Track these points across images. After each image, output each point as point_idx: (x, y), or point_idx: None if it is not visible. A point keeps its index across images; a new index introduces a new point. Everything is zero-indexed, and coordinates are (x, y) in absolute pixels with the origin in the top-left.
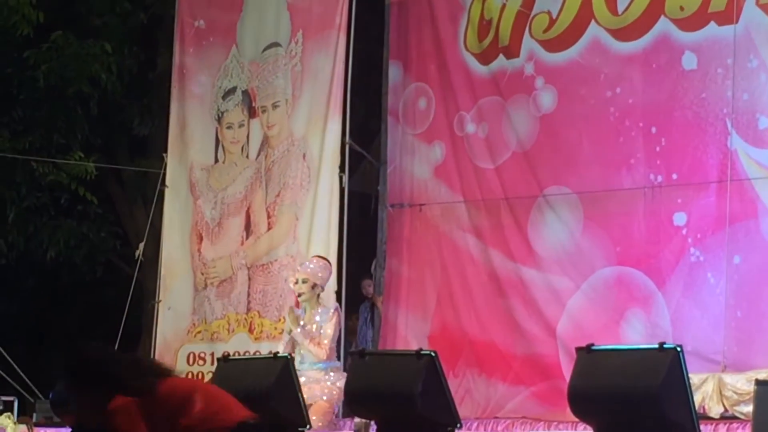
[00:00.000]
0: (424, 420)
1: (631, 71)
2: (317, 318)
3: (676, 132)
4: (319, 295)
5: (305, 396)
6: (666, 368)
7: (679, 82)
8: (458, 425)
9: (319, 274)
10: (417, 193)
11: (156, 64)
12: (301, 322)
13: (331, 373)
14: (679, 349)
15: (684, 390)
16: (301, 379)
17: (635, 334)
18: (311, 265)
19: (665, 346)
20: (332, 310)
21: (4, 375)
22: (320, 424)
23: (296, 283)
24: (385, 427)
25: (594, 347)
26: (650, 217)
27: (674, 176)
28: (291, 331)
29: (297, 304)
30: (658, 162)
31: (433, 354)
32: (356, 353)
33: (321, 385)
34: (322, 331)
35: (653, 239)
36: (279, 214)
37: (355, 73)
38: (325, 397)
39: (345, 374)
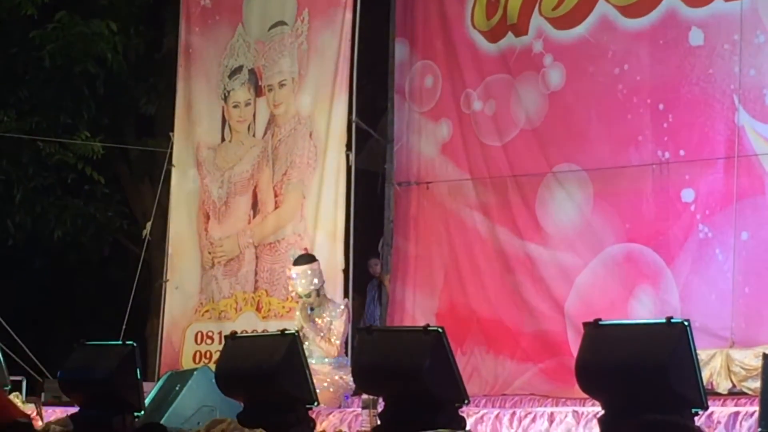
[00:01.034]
0: (432, 396)
1: (639, 48)
2: (326, 313)
3: (684, 108)
4: (324, 294)
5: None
6: (674, 343)
7: (686, 59)
8: (466, 401)
9: (313, 279)
10: (424, 171)
11: (162, 43)
12: (315, 319)
13: (340, 370)
14: (686, 323)
15: (692, 364)
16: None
17: (644, 311)
18: (306, 279)
19: (673, 320)
20: (342, 307)
21: (12, 355)
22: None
23: (300, 297)
24: (392, 404)
25: (601, 322)
26: (659, 194)
27: (682, 153)
28: (302, 327)
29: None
30: (666, 139)
31: (440, 330)
32: (363, 329)
33: (329, 380)
34: (332, 327)
35: (662, 216)
36: (286, 193)
37: (362, 51)
38: (331, 388)
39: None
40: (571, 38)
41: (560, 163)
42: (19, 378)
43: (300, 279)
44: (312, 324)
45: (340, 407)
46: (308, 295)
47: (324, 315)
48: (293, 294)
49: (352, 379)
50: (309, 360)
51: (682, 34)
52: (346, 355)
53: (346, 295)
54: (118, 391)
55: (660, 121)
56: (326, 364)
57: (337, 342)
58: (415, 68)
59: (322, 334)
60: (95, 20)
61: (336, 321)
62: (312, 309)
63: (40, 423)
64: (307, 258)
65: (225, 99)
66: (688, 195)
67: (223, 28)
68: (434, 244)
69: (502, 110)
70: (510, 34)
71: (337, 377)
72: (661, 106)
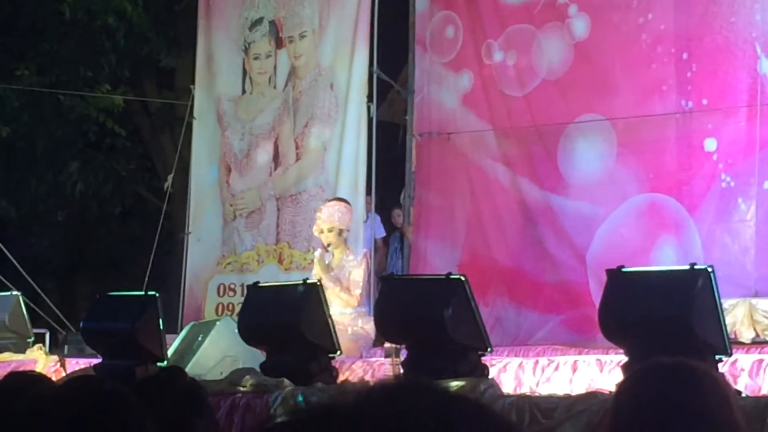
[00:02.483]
0: (455, 344)
1: None
2: (346, 263)
3: (707, 57)
4: (346, 240)
5: None
6: (697, 289)
7: (708, 7)
8: (489, 349)
9: (342, 219)
10: (445, 121)
11: None
12: (330, 269)
13: (360, 320)
14: (710, 269)
15: (715, 311)
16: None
17: (666, 261)
18: (332, 212)
19: (696, 267)
20: (361, 256)
21: (35, 308)
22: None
23: (321, 232)
24: (415, 352)
25: (624, 269)
26: (681, 144)
27: (704, 102)
28: (320, 279)
29: (324, 248)
30: (689, 88)
31: (463, 278)
32: (386, 278)
33: (350, 330)
34: (351, 277)
35: (684, 165)
36: (307, 145)
37: (382, 1)
38: (352, 339)
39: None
40: None
41: (583, 114)
42: (42, 331)
43: (326, 212)
44: (330, 275)
45: (361, 357)
46: (330, 230)
47: (344, 264)
48: (316, 232)
49: (373, 328)
50: None
51: None
52: (368, 305)
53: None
54: (140, 341)
55: (683, 71)
56: (346, 315)
57: (357, 292)
58: (436, 19)
59: (341, 285)
60: None
61: (355, 270)
62: (331, 257)
63: (63, 374)
64: (340, 198)
65: (245, 51)
66: (710, 144)
67: None
68: (456, 196)
69: (524, 61)
70: None
71: (357, 327)
72: (684, 56)
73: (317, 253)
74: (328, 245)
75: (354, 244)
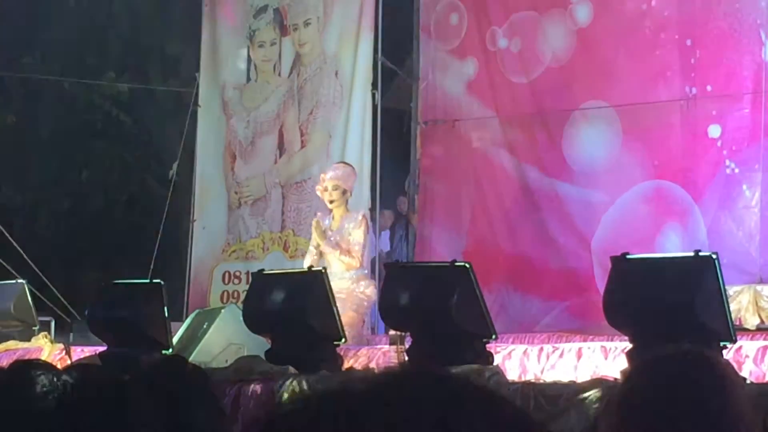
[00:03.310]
0: (459, 331)
1: None
2: (346, 224)
3: (711, 44)
4: (347, 202)
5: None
6: (702, 275)
7: None
8: (494, 336)
9: (346, 180)
10: (450, 109)
11: None
12: (329, 234)
13: (361, 282)
14: (714, 256)
15: (720, 297)
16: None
17: (671, 248)
18: (338, 171)
19: (701, 253)
20: (360, 217)
21: (41, 296)
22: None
23: (325, 190)
24: (419, 339)
25: (629, 256)
26: (686, 130)
27: (709, 88)
28: (318, 245)
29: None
30: (693, 74)
31: (467, 265)
32: (391, 265)
33: (350, 296)
34: (351, 237)
35: (689, 152)
36: (312, 132)
37: None
38: (353, 308)
39: (374, 281)
40: None
41: (587, 100)
42: (47, 318)
43: (331, 172)
44: (329, 240)
45: (363, 324)
46: (335, 188)
47: (344, 226)
48: (319, 191)
49: (374, 292)
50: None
51: None
52: (372, 271)
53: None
54: (145, 329)
55: (687, 57)
56: (345, 279)
57: (358, 251)
58: (441, 6)
59: (341, 248)
60: None
61: (355, 231)
62: (331, 219)
63: (68, 362)
64: (345, 162)
65: (250, 39)
66: (714, 131)
67: None
68: (461, 183)
69: (528, 47)
70: None
71: (358, 293)
72: (688, 42)
73: (315, 219)
74: (331, 202)
75: (355, 209)
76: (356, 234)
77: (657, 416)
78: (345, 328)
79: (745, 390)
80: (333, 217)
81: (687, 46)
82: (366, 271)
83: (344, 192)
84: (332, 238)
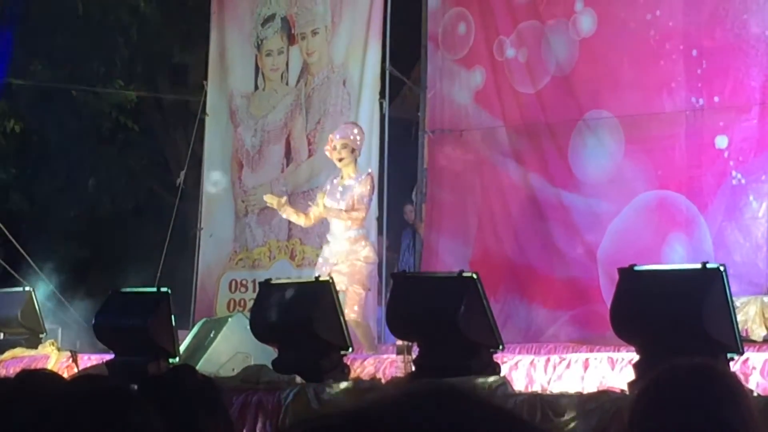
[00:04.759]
0: (466, 342)
1: None
2: (354, 182)
3: (717, 54)
4: (356, 160)
5: (337, 283)
6: (709, 287)
7: (719, 4)
8: (500, 347)
9: (355, 138)
10: (457, 118)
11: None
12: (339, 191)
13: (360, 243)
14: (722, 268)
15: (727, 309)
16: (333, 263)
17: (677, 258)
18: (347, 131)
19: (708, 265)
20: (366, 174)
21: (48, 303)
22: (354, 314)
23: (334, 149)
24: (427, 349)
25: (637, 267)
26: (692, 141)
27: (716, 99)
28: (324, 207)
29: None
30: (700, 85)
31: (474, 276)
32: (398, 275)
33: (351, 269)
34: (355, 192)
35: (695, 163)
36: (319, 141)
37: None
38: (358, 282)
39: (372, 243)
40: None
41: (592, 110)
42: (54, 326)
43: (340, 131)
44: (332, 210)
45: (369, 291)
46: (344, 146)
47: (350, 184)
48: (328, 151)
49: (374, 253)
50: (327, 239)
51: None
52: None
53: (380, 236)
54: (152, 337)
55: (693, 68)
56: (343, 240)
57: (361, 206)
58: (448, 15)
59: (347, 208)
60: None
61: (359, 187)
62: (339, 178)
63: (75, 370)
64: (354, 122)
65: (258, 47)
66: (721, 141)
67: None
68: (468, 192)
69: (535, 57)
70: None
71: (355, 260)
72: (694, 52)
73: (321, 192)
74: (340, 160)
75: (364, 169)
76: (360, 188)
77: (666, 428)
78: (353, 307)
79: (753, 402)
80: (342, 176)
81: (693, 57)
82: (364, 231)
83: (353, 150)
84: (338, 200)
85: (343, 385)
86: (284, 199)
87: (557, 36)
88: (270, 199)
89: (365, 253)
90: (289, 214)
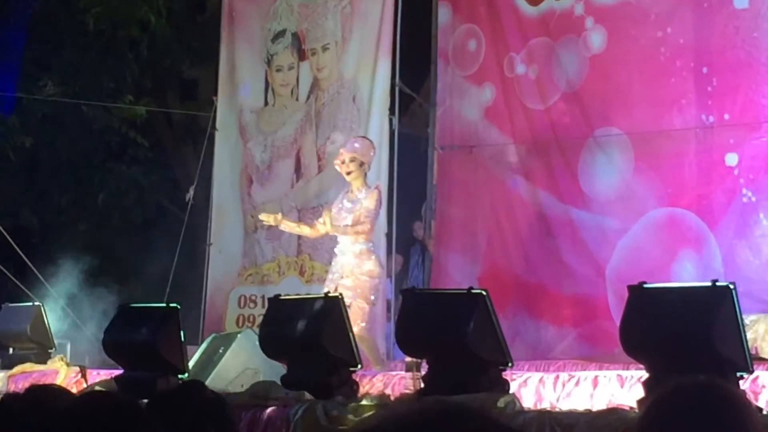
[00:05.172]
0: (475, 359)
1: (682, 11)
2: (361, 196)
3: (728, 72)
4: (366, 174)
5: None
6: (719, 306)
7: (730, 22)
8: (509, 364)
9: (364, 152)
10: (467, 134)
11: (205, 6)
12: (347, 206)
13: (364, 258)
14: (732, 286)
15: (737, 328)
16: (339, 277)
17: (686, 276)
18: (356, 144)
19: (718, 283)
20: (373, 187)
21: (57, 318)
22: (358, 329)
23: (343, 163)
24: (436, 366)
25: (646, 285)
26: (702, 158)
27: (726, 116)
28: (331, 226)
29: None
30: (710, 102)
31: (484, 292)
32: (407, 292)
33: (355, 282)
34: (363, 206)
35: (705, 180)
36: (329, 157)
37: (405, 14)
38: (361, 296)
39: (378, 257)
40: (613, 1)
41: (601, 127)
42: (64, 341)
43: (349, 145)
44: (340, 219)
45: (374, 305)
46: (352, 160)
47: (359, 198)
48: (337, 164)
49: (379, 268)
50: (335, 253)
51: None
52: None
53: (389, 255)
54: (161, 353)
55: (704, 85)
56: (348, 254)
57: (366, 220)
58: (459, 32)
59: (352, 221)
60: None
61: (365, 200)
62: (348, 192)
63: (84, 386)
64: (364, 136)
65: (268, 63)
66: (731, 159)
67: None
68: (477, 208)
69: (545, 74)
70: None
71: (359, 274)
72: (704, 70)
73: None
74: (348, 174)
75: (373, 183)
76: (367, 202)
77: None
78: (357, 321)
79: (761, 420)
80: (351, 189)
81: (703, 74)
82: (371, 245)
83: (361, 164)
84: (348, 210)
85: (352, 402)
86: (279, 215)
87: (567, 53)
88: (266, 218)
89: (369, 266)
90: (290, 228)
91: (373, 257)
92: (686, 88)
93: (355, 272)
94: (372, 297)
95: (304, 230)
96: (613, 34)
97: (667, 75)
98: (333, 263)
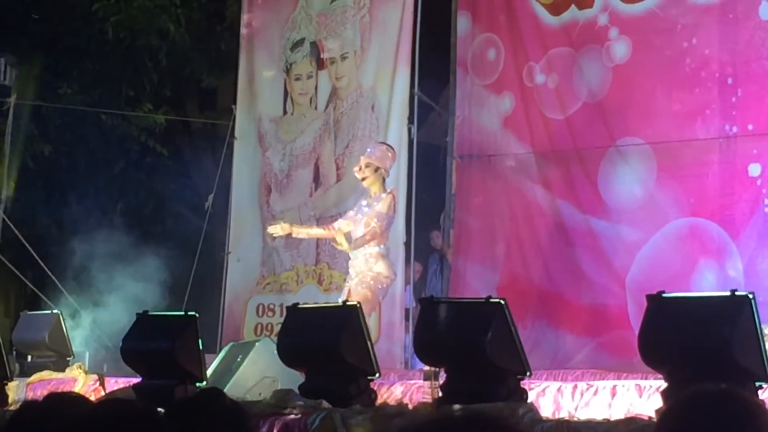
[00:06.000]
0: (494, 368)
1: (708, 22)
2: (376, 202)
3: (753, 83)
4: (384, 179)
5: (353, 296)
6: (738, 315)
7: (755, 33)
8: (528, 373)
9: (382, 158)
10: (486, 144)
11: (224, 15)
12: (364, 210)
13: (376, 258)
14: (751, 296)
15: (756, 337)
16: (352, 279)
17: (707, 286)
18: (374, 150)
19: (737, 293)
20: (388, 192)
21: (76, 326)
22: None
23: (360, 169)
24: (454, 375)
25: (665, 294)
26: (725, 168)
27: (750, 127)
28: (349, 231)
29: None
30: (734, 113)
31: (502, 302)
32: (425, 300)
33: (362, 278)
34: (377, 209)
35: (727, 190)
36: (348, 166)
37: (424, 23)
38: (365, 287)
39: (388, 261)
40: (638, 12)
41: (623, 137)
42: (82, 349)
43: (368, 150)
44: (355, 241)
45: (380, 302)
46: (367, 165)
47: (374, 204)
48: (356, 170)
49: (389, 270)
50: (350, 257)
51: (753, 8)
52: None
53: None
54: (179, 361)
55: (728, 96)
56: (362, 257)
57: (377, 222)
58: (478, 41)
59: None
60: None
61: (379, 204)
62: (365, 202)
63: (102, 393)
64: (386, 143)
65: (287, 71)
66: (755, 169)
67: (286, 1)
68: (496, 218)
69: (565, 83)
70: (573, 7)
71: (367, 271)
72: (729, 80)
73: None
74: (363, 179)
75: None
76: (380, 205)
77: None
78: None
79: None
80: (369, 194)
81: (728, 85)
82: (382, 248)
83: (377, 169)
84: (363, 215)
85: (370, 410)
86: (286, 224)
87: (590, 62)
88: (273, 230)
89: (378, 269)
90: (302, 233)
91: (384, 261)
92: (710, 99)
93: (364, 271)
94: (379, 296)
95: (318, 232)
96: (638, 45)
97: (692, 85)
98: (349, 268)
